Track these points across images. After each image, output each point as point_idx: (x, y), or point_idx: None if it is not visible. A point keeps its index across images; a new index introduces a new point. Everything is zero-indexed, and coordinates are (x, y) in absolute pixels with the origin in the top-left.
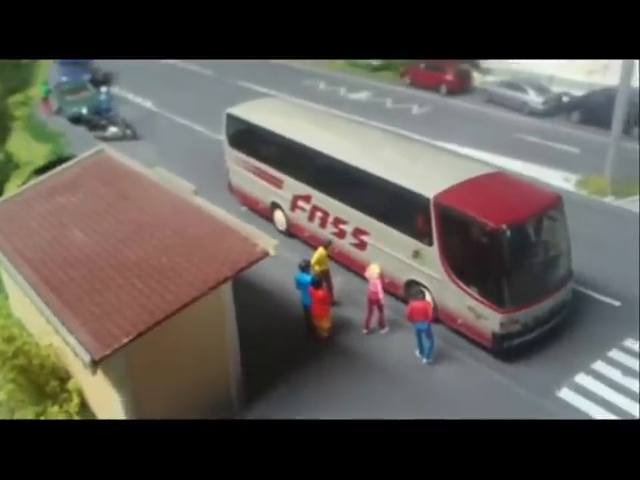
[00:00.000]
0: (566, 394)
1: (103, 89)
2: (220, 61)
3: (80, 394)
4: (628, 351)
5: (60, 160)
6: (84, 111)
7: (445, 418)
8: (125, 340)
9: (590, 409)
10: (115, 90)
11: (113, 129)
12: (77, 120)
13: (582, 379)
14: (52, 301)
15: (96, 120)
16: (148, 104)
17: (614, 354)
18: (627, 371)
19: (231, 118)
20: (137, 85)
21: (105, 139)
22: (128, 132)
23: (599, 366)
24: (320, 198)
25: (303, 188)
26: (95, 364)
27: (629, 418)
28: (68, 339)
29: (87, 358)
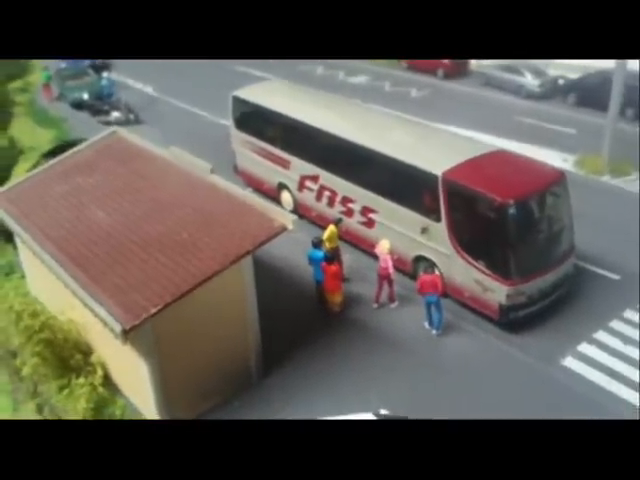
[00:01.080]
0: (570, 362)
1: (104, 74)
2: None
3: (103, 367)
4: (628, 321)
5: (68, 144)
6: (85, 97)
7: (453, 384)
8: (153, 310)
9: (594, 376)
10: (115, 76)
11: (116, 114)
12: (79, 106)
13: (585, 348)
14: (79, 276)
15: (98, 105)
16: (149, 89)
17: (615, 324)
18: (627, 340)
19: (237, 100)
20: (136, 71)
21: (108, 124)
22: (131, 117)
23: (601, 336)
24: (328, 178)
25: (310, 168)
26: (126, 334)
27: (628, 383)
28: (98, 311)
29: (118, 328)
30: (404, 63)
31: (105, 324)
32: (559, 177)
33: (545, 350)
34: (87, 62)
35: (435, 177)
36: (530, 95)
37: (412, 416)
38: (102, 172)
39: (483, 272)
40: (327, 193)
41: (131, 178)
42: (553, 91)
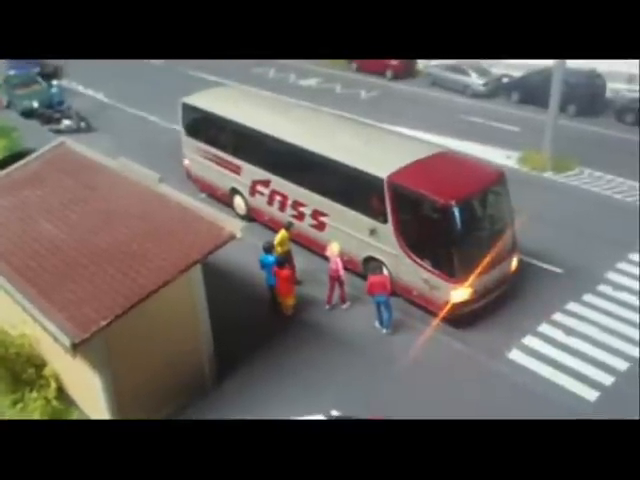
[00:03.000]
0: (516, 355)
1: (54, 82)
2: None
3: (57, 380)
4: (570, 313)
5: (18, 154)
6: (35, 105)
7: (401, 380)
8: (103, 323)
9: (538, 368)
10: (65, 83)
11: (67, 122)
12: (29, 114)
13: (530, 341)
14: (27, 291)
15: (49, 114)
16: (100, 96)
17: (558, 317)
18: (570, 331)
19: (187, 107)
20: (87, 77)
21: (59, 132)
22: (82, 124)
23: (544, 328)
24: (278, 182)
25: (261, 173)
26: (75, 347)
27: (572, 373)
28: (47, 325)
29: (68, 342)
30: (354, 64)
31: (55, 338)
32: (499, 177)
33: (491, 344)
34: (36, 69)
35: (380, 180)
36: (475, 94)
37: (364, 414)
38: (50, 184)
39: (429, 271)
40: (278, 197)
41: (79, 190)
42: (497, 90)
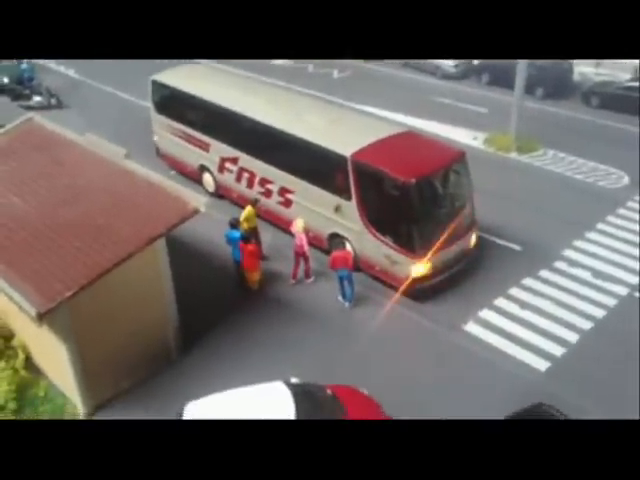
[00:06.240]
0: (471, 327)
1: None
2: None
3: (25, 350)
4: (526, 288)
5: None
6: (5, 80)
7: (361, 350)
8: (68, 294)
9: (493, 339)
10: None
11: (37, 98)
12: None
13: (485, 314)
14: None
15: (19, 90)
16: (71, 72)
17: (514, 291)
18: (524, 305)
19: (156, 84)
20: None
21: (30, 108)
22: (53, 101)
23: (500, 302)
24: (246, 160)
25: (230, 151)
26: (41, 317)
27: (525, 345)
28: (13, 295)
29: (33, 312)
30: None
31: (21, 308)
32: (459, 156)
33: (449, 317)
34: None
35: (344, 158)
36: (446, 76)
37: (322, 382)
38: (18, 159)
39: (391, 247)
40: (246, 175)
41: (47, 164)
42: (468, 71)
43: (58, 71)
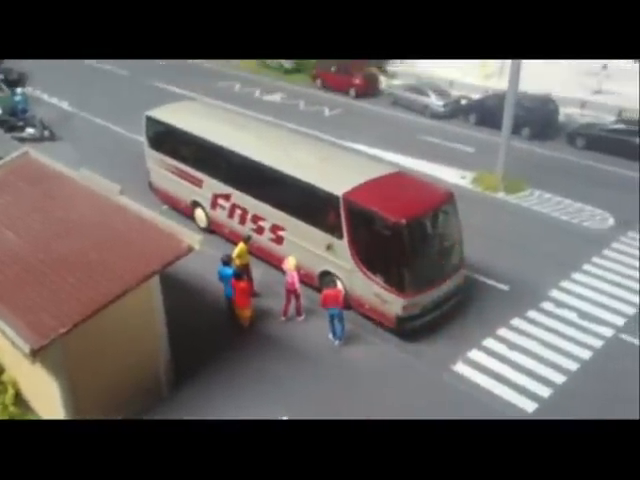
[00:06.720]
0: (460, 367)
1: (18, 90)
2: (136, 61)
3: (14, 386)
4: (514, 329)
5: None
6: None
7: (350, 388)
8: (62, 331)
9: (481, 380)
10: (29, 90)
11: (30, 130)
12: None
13: (474, 354)
14: None
15: (13, 121)
16: (64, 104)
17: (502, 332)
18: (513, 346)
19: (150, 120)
20: (52, 85)
21: (23, 140)
22: (46, 133)
23: (489, 342)
24: (239, 197)
25: (222, 187)
26: (35, 353)
27: (512, 386)
28: (7, 331)
29: (27, 348)
30: (318, 82)
31: (14, 344)
32: (448, 197)
33: (438, 356)
34: (0, 77)
35: (337, 198)
36: (435, 115)
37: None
38: (12, 193)
39: (381, 286)
40: (238, 211)
41: (41, 199)
42: (456, 111)
43: (51, 103)
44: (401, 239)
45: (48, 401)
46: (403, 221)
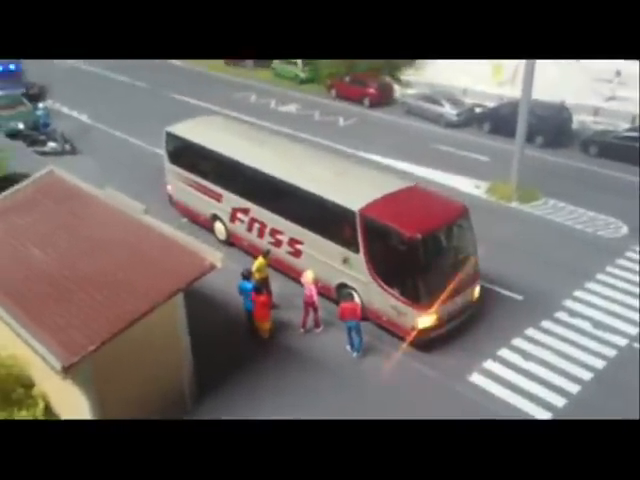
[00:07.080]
0: (476, 378)
1: (40, 105)
2: (153, 73)
3: (44, 399)
4: (529, 339)
5: (4, 178)
6: (21, 127)
7: (369, 400)
8: (92, 348)
9: (496, 390)
10: (49, 103)
11: (52, 144)
12: (14, 135)
13: (490, 365)
14: (18, 315)
15: (34, 136)
16: (83, 117)
17: (517, 342)
18: (528, 356)
19: (170, 136)
20: (71, 98)
21: (44, 154)
22: (67, 147)
23: (504, 353)
24: (257, 211)
25: (241, 202)
26: (66, 370)
27: (527, 395)
28: (39, 349)
29: (59, 366)
30: (332, 92)
31: (46, 361)
32: (463, 211)
33: (454, 367)
34: (21, 90)
35: (353, 213)
36: (449, 124)
37: None
38: (39, 211)
39: (397, 298)
40: (257, 225)
41: (67, 217)
42: (470, 120)
43: (71, 116)
44: (416, 253)
45: (77, 414)
46: (418, 236)
